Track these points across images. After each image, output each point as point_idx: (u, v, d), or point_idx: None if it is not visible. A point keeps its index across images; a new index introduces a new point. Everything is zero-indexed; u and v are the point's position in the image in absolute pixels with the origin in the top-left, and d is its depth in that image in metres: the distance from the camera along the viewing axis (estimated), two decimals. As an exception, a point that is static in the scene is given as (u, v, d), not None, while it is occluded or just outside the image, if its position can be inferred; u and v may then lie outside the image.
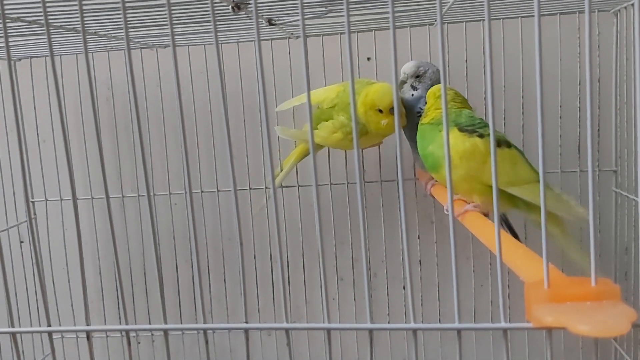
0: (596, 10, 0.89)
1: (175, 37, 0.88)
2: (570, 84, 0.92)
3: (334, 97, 0.88)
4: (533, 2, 0.37)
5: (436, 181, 0.83)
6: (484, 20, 0.54)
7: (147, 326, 0.45)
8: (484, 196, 0.71)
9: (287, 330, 0.42)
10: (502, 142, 0.72)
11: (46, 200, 1.04)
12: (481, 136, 0.71)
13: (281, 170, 0.93)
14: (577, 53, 0.91)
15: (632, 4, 0.78)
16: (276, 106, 0.98)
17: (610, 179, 0.94)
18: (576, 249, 0.74)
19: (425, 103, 0.79)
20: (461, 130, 0.72)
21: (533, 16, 0.38)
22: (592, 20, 0.89)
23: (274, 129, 0.92)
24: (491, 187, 0.67)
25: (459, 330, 0.39)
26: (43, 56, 0.98)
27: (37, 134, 1.02)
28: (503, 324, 0.39)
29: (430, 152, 0.74)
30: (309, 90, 0.40)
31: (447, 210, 0.74)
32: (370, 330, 0.40)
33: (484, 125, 0.73)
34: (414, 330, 0.40)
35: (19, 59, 1.00)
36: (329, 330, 0.41)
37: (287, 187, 1.01)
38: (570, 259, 0.74)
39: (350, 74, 0.39)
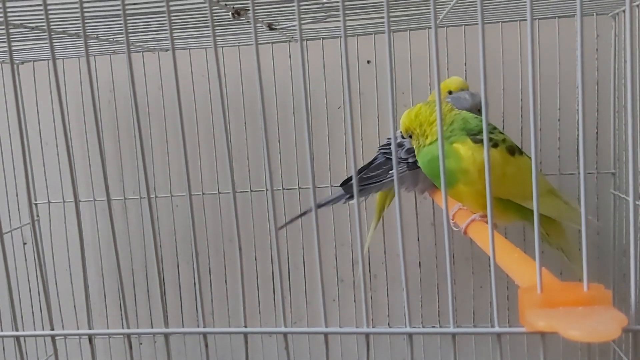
0: (595, 14, 0.89)
1: (176, 40, 0.90)
2: (568, 87, 0.93)
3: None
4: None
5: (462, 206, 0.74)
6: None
7: (148, 330, 0.46)
8: (495, 209, 0.65)
9: (285, 334, 0.42)
10: (515, 150, 0.68)
11: (49, 202, 1.05)
12: (495, 145, 0.66)
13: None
14: (575, 56, 0.92)
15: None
16: (277, 108, 0.99)
17: (609, 181, 0.94)
18: (579, 261, 0.73)
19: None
20: (475, 141, 0.66)
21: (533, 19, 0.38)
22: (591, 24, 0.90)
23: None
24: (502, 200, 0.66)
25: (454, 335, 0.40)
26: (46, 59, 0.99)
27: (40, 137, 1.03)
28: (496, 329, 0.39)
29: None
30: (307, 91, 0.40)
31: (456, 227, 0.70)
32: (367, 335, 0.41)
33: (493, 128, 0.69)
34: (410, 334, 0.41)
35: (22, 62, 1.01)
36: (326, 335, 0.41)
37: (288, 189, 1.01)
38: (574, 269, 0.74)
39: (347, 78, 0.40)
